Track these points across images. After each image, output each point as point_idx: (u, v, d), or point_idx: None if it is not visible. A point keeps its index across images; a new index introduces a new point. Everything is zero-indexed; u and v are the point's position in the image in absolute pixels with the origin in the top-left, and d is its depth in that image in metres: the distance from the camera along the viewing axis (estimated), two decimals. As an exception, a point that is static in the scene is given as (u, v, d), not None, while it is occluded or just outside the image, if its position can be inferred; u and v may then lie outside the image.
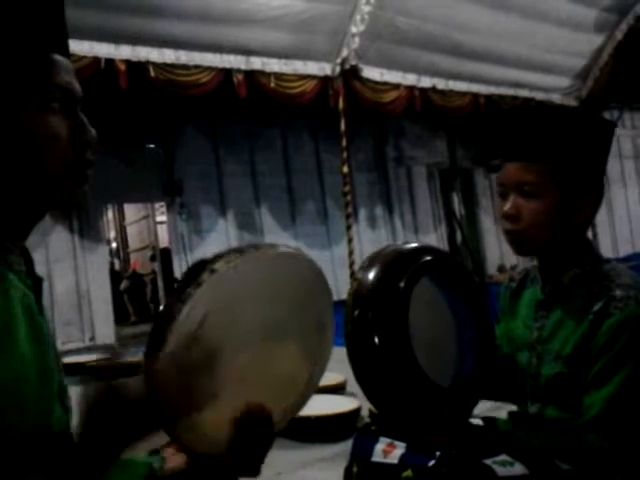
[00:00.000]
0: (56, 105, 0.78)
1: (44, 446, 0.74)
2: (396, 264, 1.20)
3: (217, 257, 0.78)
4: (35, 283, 0.83)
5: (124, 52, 6.72)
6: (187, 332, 0.74)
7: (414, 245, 1.28)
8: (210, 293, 0.75)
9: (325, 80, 8.08)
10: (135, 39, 6.72)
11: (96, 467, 0.75)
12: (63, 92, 0.80)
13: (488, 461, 1.15)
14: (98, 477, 0.74)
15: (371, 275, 1.18)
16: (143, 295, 11.23)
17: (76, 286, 8.90)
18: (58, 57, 0.81)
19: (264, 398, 0.82)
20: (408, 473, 1.18)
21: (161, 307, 0.77)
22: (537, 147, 1.23)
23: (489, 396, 1.42)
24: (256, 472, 0.83)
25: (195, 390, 0.75)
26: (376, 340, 1.12)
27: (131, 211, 12.84)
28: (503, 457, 1.17)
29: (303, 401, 0.93)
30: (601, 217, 12.08)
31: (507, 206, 1.25)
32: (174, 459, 0.83)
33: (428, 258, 1.23)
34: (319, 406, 3.63)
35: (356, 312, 1.16)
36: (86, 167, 0.83)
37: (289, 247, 0.86)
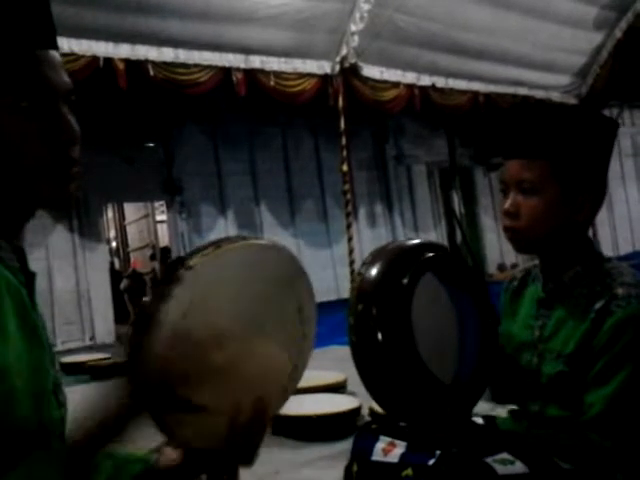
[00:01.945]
0: (25, 104, 0.77)
1: (35, 440, 0.74)
2: (399, 260, 1.20)
3: (192, 253, 0.79)
4: (28, 279, 0.83)
5: (123, 51, 6.71)
6: (169, 330, 0.74)
7: (417, 241, 1.29)
8: (188, 289, 0.76)
9: (325, 78, 8.08)
10: (134, 38, 6.72)
11: (88, 463, 0.75)
12: (38, 89, 0.78)
13: (488, 460, 1.15)
14: (91, 473, 0.74)
15: (374, 271, 1.19)
16: (143, 294, 11.19)
17: (76, 285, 8.90)
18: (40, 52, 0.80)
19: (254, 387, 0.82)
20: (408, 472, 1.18)
21: (138, 308, 0.78)
22: (536, 144, 1.23)
23: (490, 397, 1.42)
24: (251, 461, 0.84)
25: (182, 387, 0.75)
26: (379, 336, 1.13)
27: (131, 210, 12.84)
28: (503, 456, 1.17)
29: (292, 387, 0.93)
30: (601, 215, 12.05)
31: (507, 203, 1.26)
32: (170, 455, 0.83)
33: (431, 254, 1.23)
34: (319, 405, 3.63)
35: (360, 306, 1.17)
36: (69, 165, 0.81)
37: (261, 238, 0.88)
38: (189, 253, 0.79)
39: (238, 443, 0.81)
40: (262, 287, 0.84)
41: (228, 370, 0.79)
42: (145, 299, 0.76)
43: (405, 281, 1.16)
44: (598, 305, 1.19)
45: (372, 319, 1.14)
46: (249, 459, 0.84)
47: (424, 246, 1.27)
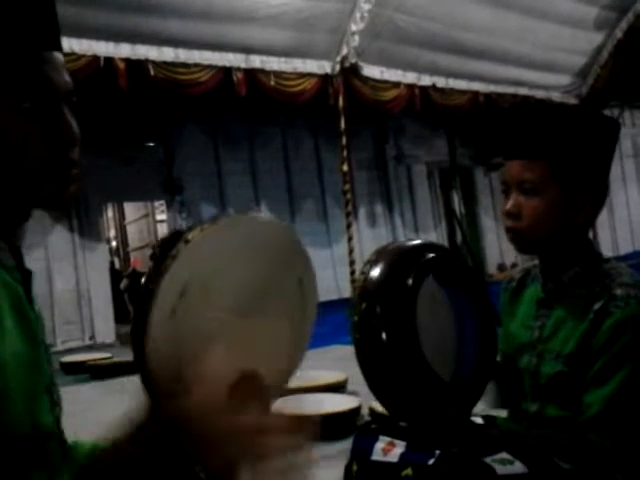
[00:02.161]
0: (28, 105, 0.77)
1: (28, 439, 0.74)
2: (403, 261, 1.21)
3: (190, 227, 0.78)
4: (25, 277, 0.83)
5: (123, 50, 6.71)
6: (169, 305, 0.74)
7: (418, 242, 1.29)
8: (187, 263, 0.75)
9: (325, 78, 8.07)
10: (134, 37, 6.72)
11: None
12: (40, 91, 0.78)
13: (488, 459, 1.15)
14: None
15: (378, 271, 1.19)
16: (143, 294, 11.21)
17: (76, 285, 8.90)
18: (44, 53, 0.80)
19: (255, 364, 0.82)
20: (408, 471, 1.18)
21: (142, 281, 0.77)
22: (537, 144, 1.22)
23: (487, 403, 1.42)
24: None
25: (186, 363, 0.75)
26: (384, 336, 1.13)
27: (131, 210, 12.84)
28: (503, 455, 1.17)
29: (294, 365, 0.93)
30: (601, 216, 12.04)
31: (508, 204, 1.26)
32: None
33: (432, 255, 1.23)
34: (319, 404, 3.63)
35: (363, 305, 1.17)
36: (69, 167, 0.81)
37: (261, 214, 0.88)
38: (187, 228, 0.79)
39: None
40: (261, 260, 0.84)
41: (232, 342, 0.78)
42: (146, 274, 0.76)
43: (410, 282, 1.17)
44: (597, 306, 1.19)
45: (376, 318, 1.15)
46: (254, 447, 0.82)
47: (425, 246, 1.28)
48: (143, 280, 0.76)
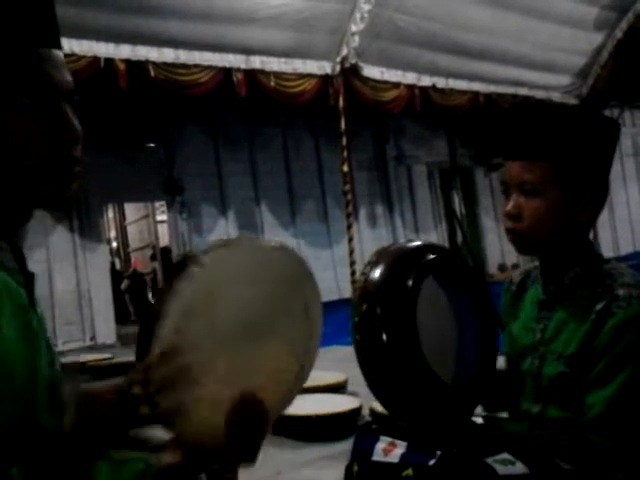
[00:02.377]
0: (28, 102, 0.77)
1: (29, 439, 0.74)
2: (403, 262, 1.21)
3: (200, 252, 0.80)
4: (27, 279, 0.83)
5: (124, 51, 6.72)
6: (172, 328, 0.75)
7: (419, 243, 1.29)
8: (195, 287, 0.77)
9: (325, 79, 8.08)
10: (134, 38, 6.72)
11: (85, 462, 0.75)
12: (40, 88, 0.78)
13: (489, 460, 1.15)
14: (88, 473, 0.74)
15: (378, 272, 1.19)
16: (144, 294, 11.24)
17: (77, 286, 8.90)
18: (44, 51, 0.80)
19: (256, 387, 0.82)
20: (409, 472, 1.18)
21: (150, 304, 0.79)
22: (537, 145, 1.22)
23: (490, 406, 1.41)
24: (253, 459, 0.84)
25: (186, 383, 0.75)
26: (384, 337, 1.13)
27: (131, 210, 12.84)
28: (504, 456, 1.16)
29: (298, 387, 0.93)
30: (602, 216, 12.03)
31: (509, 205, 1.25)
32: (171, 454, 0.83)
33: (432, 256, 1.23)
34: (320, 405, 3.63)
35: (364, 306, 1.17)
36: (72, 164, 0.81)
37: (267, 239, 0.90)
38: (196, 252, 0.80)
39: (239, 443, 0.81)
40: (269, 287, 0.85)
41: (232, 369, 0.79)
42: (154, 295, 0.77)
43: (410, 283, 1.17)
44: (599, 306, 1.19)
45: (376, 319, 1.15)
46: (251, 458, 0.84)
47: (426, 248, 1.28)
48: (154, 300, 0.77)
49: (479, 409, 1.31)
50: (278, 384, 0.88)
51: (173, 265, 0.79)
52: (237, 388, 0.81)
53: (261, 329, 0.83)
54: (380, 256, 1.23)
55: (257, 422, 0.83)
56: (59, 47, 0.83)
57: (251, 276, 0.83)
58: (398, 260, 1.21)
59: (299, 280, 0.90)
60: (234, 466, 0.86)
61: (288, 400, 0.93)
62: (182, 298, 0.76)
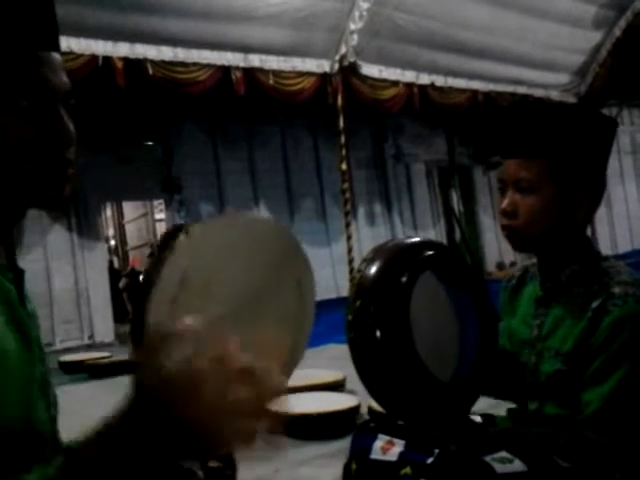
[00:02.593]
0: (24, 104, 0.77)
1: (24, 440, 0.73)
2: (398, 258, 1.21)
3: (191, 223, 0.80)
4: (17, 276, 0.82)
5: (122, 49, 6.70)
6: (168, 296, 0.75)
7: (416, 239, 1.29)
8: (187, 255, 0.77)
9: (324, 77, 8.07)
10: (133, 36, 6.71)
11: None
12: (37, 91, 0.78)
13: (487, 458, 1.15)
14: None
15: (373, 269, 1.19)
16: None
17: (75, 284, 8.89)
18: (42, 54, 0.79)
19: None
20: (407, 470, 1.18)
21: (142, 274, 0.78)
22: (533, 143, 1.23)
23: (490, 392, 1.42)
24: (250, 441, 0.80)
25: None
26: (378, 334, 1.13)
27: (129, 209, 12.83)
28: (502, 454, 1.17)
29: (293, 363, 0.93)
30: (599, 213, 12.12)
31: (504, 202, 1.26)
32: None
33: (430, 253, 1.23)
34: (318, 403, 3.63)
35: (358, 303, 1.17)
36: (65, 167, 0.81)
37: (261, 215, 0.89)
38: (189, 223, 0.80)
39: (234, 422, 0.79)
40: (261, 260, 0.85)
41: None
42: (147, 264, 0.77)
43: (404, 279, 1.17)
44: (595, 304, 1.19)
45: (370, 316, 1.15)
46: (249, 440, 0.80)
47: (423, 244, 1.28)
48: (144, 268, 0.77)
49: (479, 406, 1.31)
50: (271, 358, 0.88)
51: (165, 235, 0.79)
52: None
53: (253, 302, 0.83)
54: (376, 253, 1.23)
55: (256, 400, 0.82)
56: (58, 50, 0.83)
57: (242, 247, 0.83)
58: (394, 257, 1.21)
59: (292, 255, 0.90)
60: (230, 456, 0.84)
61: (286, 375, 0.92)
62: (175, 265, 0.75)
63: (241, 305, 0.82)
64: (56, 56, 0.82)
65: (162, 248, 0.77)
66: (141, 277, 0.77)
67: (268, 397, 0.64)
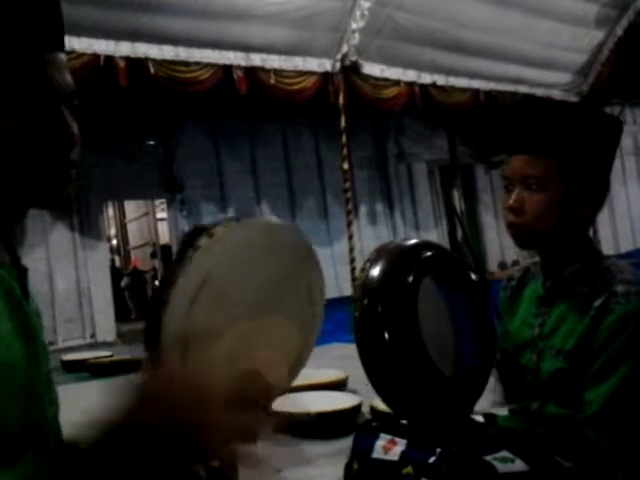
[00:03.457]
0: (27, 104, 0.77)
1: (26, 438, 0.73)
2: (403, 259, 1.21)
3: (215, 224, 0.80)
4: (21, 274, 0.83)
5: (123, 49, 6.70)
6: (188, 296, 0.75)
7: (416, 241, 1.29)
8: (210, 256, 0.77)
9: (325, 76, 8.06)
10: (134, 36, 6.71)
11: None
12: (41, 91, 0.78)
13: (489, 458, 1.15)
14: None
15: (379, 269, 1.19)
16: (144, 292, 11.24)
17: (77, 283, 8.90)
18: (48, 54, 0.79)
19: (260, 362, 0.82)
20: (408, 469, 1.18)
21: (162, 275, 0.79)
22: (542, 140, 1.22)
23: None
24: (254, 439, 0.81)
25: (197, 355, 0.75)
26: (386, 335, 1.13)
27: (131, 208, 12.84)
28: (504, 454, 1.16)
29: (299, 366, 0.93)
30: (602, 213, 12.07)
31: (511, 199, 1.25)
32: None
33: (429, 253, 1.23)
34: (320, 402, 3.63)
35: (365, 301, 1.17)
36: (68, 167, 0.80)
37: (279, 220, 0.92)
38: (211, 224, 0.80)
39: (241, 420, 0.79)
40: (278, 263, 0.85)
41: (239, 344, 0.79)
42: (169, 264, 0.77)
43: (410, 279, 1.17)
44: (597, 302, 1.19)
45: (378, 317, 1.15)
46: (251, 438, 0.81)
47: (423, 245, 1.28)
48: (164, 271, 0.77)
49: (481, 406, 1.31)
50: (282, 360, 0.88)
51: (186, 236, 0.78)
52: (241, 363, 0.80)
53: (270, 304, 0.84)
54: (379, 253, 1.23)
55: (259, 398, 0.82)
56: (63, 50, 0.83)
57: (261, 249, 0.83)
58: (398, 257, 1.21)
59: (305, 260, 0.90)
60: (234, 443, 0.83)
61: (292, 377, 0.93)
62: (197, 267, 0.75)
63: (256, 305, 0.82)
64: (61, 56, 0.82)
65: (183, 249, 0.77)
66: (159, 277, 0.77)
67: (268, 398, 0.67)
